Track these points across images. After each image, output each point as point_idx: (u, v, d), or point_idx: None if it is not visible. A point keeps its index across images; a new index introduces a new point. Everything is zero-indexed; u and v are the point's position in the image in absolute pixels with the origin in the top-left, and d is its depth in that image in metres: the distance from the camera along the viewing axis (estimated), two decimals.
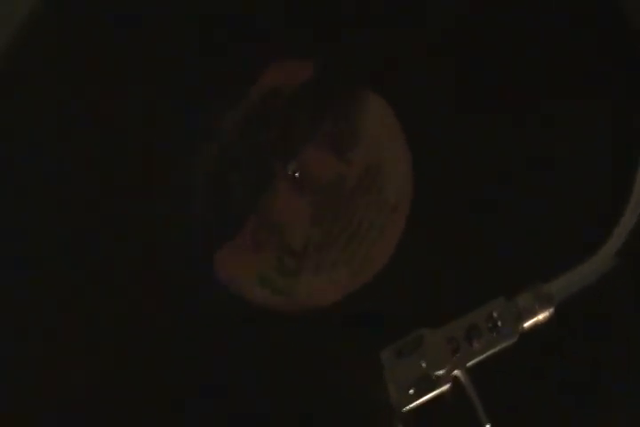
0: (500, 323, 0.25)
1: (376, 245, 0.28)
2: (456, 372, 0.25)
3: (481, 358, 0.25)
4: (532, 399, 0.25)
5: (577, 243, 0.26)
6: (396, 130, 0.29)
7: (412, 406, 0.25)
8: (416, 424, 0.25)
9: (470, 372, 0.25)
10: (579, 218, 0.27)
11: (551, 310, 0.25)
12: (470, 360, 0.25)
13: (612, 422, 0.25)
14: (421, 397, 0.25)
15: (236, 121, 0.31)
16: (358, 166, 0.29)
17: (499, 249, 0.27)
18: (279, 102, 0.30)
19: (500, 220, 0.28)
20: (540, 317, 0.25)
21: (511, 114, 0.29)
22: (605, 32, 0.29)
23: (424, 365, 0.25)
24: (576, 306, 0.25)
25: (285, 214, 0.29)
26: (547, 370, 0.25)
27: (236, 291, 0.29)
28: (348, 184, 0.29)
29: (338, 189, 0.29)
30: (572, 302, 0.25)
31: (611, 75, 0.29)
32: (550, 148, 0.28)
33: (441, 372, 0.25)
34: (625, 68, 0.28)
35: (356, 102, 0.30)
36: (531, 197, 0.28)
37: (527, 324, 0.25)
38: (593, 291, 0.25)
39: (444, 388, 0.25)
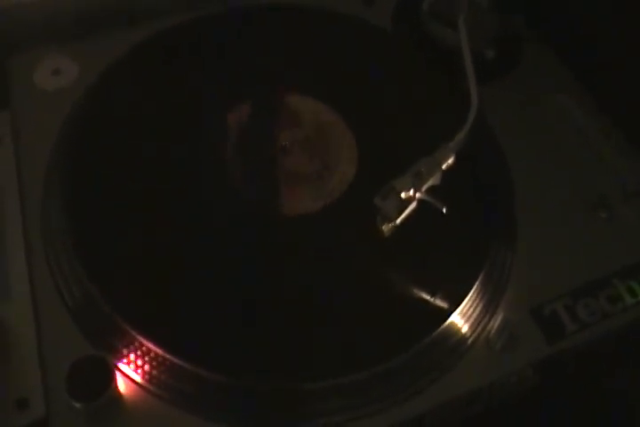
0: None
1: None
2: (418, 195, 0.45)
3: (429, 182, 0.46)
4: None
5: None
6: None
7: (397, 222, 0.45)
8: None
9: None
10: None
11: (453, 157, 0.47)
12: (424, 185, 0.46)
13: None
14: (400, 215, 0.45)
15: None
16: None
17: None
18: None
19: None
20: (450, 161, 0.47)
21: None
22: None
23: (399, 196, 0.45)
24: None
25: None
26: None
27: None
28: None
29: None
30: None
31: None
32: None
33: (410, 193, 0.45)
34: None
35: None
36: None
37: (444, 165, 0.47)
38: None
39: (413, 205, 0.45)
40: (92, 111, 0.49)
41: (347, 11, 0.58)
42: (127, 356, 0.40)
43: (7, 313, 0.40)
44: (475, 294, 0.45)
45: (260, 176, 0.49)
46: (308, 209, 0.48)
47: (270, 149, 0.50)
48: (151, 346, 0.39)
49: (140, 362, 0.40)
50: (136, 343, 0.40)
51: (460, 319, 0.44)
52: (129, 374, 0.40)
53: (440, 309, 0.44)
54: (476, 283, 0.45)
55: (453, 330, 0.44)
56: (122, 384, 0.39)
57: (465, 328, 0.44)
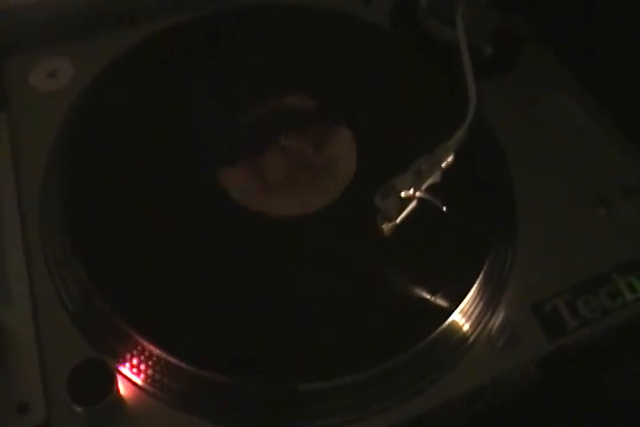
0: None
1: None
2: (418, 194, 0.45)
3: (429, 181, 0.46)
4: None
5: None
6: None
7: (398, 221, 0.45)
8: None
9: None
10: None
11: (452, 155, 0.47)
12: (424, 183, 0.45)
13: None
14: (400, 214, 0.45)
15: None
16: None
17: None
18: None
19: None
20: (449, 159, 0.47)
21: None
22: None
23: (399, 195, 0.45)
24: None
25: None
26: None
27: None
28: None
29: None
30: None
31: None
32: None
33: (410, 192, 0.45)
34: None
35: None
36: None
37: (444, 163, 0.46)
38: None
39: (413, 204, 0.45)
40: (89, 112, 0.49)
41: (345, 9, 0.58)
42: (128, 358, 0.40)
43: (6, 316, 0.40)
44: (475, 293, 0.45)
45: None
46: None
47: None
48: (151, 348, 0.39)
49: (140, 365, 0.40)
50: (136, 345, 0.40)
51: (461, 318, 0.44)
52: (130, 377, 0.40)
53: (441, 308, 0.44)
54: (477, 281, 0.45)
55: (454, 329, 0.43)
56: (123, 387, 0.39)
57: (466, 327, 0.44)
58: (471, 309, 0.44)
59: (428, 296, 0.44)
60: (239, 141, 0.50)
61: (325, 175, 0.49)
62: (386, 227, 0.46)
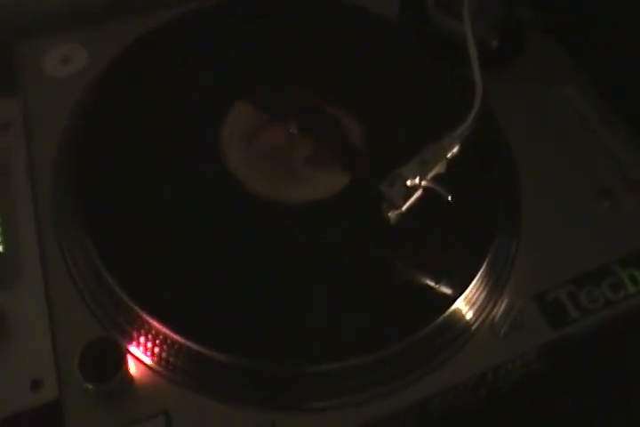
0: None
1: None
2: (424, 183, 0.46)
3: (435, 170, 0.46)
4: None
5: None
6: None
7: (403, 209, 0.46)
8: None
9: None
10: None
11: (458, 146, 0.47)
12: (429, 173, 0.46)
13: None
14: (406, 202, 0.46)
15: None
16: None
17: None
18: None
19: None
20: (455, 150, 0.47)
21: None
22: None
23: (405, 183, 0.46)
24: None
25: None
26: None
27: None
28: None
29: None
30: None
31: None
32: None
33: (415, 181, 0.46)
34: None
35: None
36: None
37: (449, 154, 0.47)
38: None
39: (419, 193, 0.46)
40: (103, 96, 0.50)
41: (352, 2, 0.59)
42: (138, 338, 0.40)
43: (20, 295, 0.41)
44: (479, 281, 0.45)
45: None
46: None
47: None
48: (160, 328, 0.40)
49: (150, 344, 0.40)
50: (145, 326, 0.40)
51: (464, 305, 0.44)
52: (139, 357, 0.40)
53: (445, 295, 0.44)
54: (481, 270, 0.46)
55: (458, 316, 0.44)
56: (133, 366, 0.39)
57: (469, 314, 0.44)
58: (475, 297, 0.45)
59: (433, 284, 0.45)
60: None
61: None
62: (392, 214, 0.46)
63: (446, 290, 0.45)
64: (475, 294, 0.45)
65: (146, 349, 0.40)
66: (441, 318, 0.43)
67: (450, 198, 0.46)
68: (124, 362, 0.37)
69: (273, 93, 0.53)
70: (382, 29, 0.58)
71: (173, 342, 0.40)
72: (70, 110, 0.49)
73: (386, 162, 0.46)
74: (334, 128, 0.52)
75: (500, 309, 0.45)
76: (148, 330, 0.40)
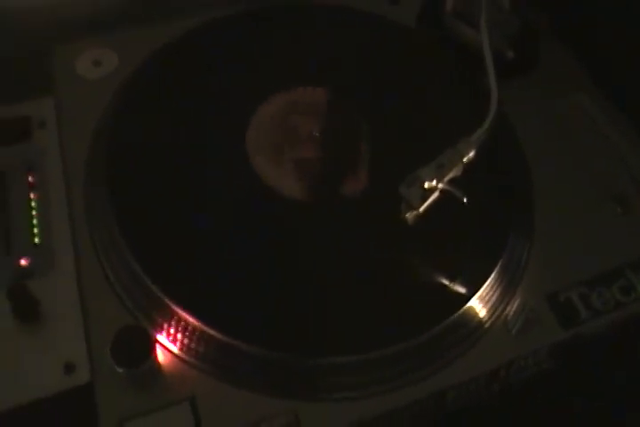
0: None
1: None
2: (440, 185, 0.48)
3: (451, 174, 0.48)
4: None
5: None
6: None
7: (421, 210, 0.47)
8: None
9: None
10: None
11: (474, 150, 0.49)
12: (446, 176, 0.48)
13: None
14: (423, 203, 0.47)
15: None
16: None
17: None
18: None
19: None
20: (471, 154, 0.49)
21: None
22: None
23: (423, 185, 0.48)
24: None
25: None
26: None
27: None
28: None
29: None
30: None
31: None
32: None
33: (432, 183, 0.47)
34: None
35: None
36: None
37: (465, 158, 0.49)
38: None
39: (436, 195, 0.48)
40: (133, 98, 0.52)
41: (371, 9, 0.60)
42: (167, 328, 0.42)
43: (54, 284, 0.43)
44: (493, 281, 0.47)
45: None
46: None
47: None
48: (187, 317, 0.42)
49: (177, 334, 0.42)
50: (174, 316, 0.42)
51: (478, 304, 0.46)
52: (166, 345, 0.42)
53: (460, 293, 0.46)
54: (495, 270, 0.47)
55: (472, 314, 0.46)
56: (160, 354, 0.41)
57: (483, 313, 0.46)
58: (488, 296, 0.47)
59: (448, 282, 0.47)
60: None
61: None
62: (410, 216, 0.48)
63: (461, 289, 0.46)
64: (488, 293, 0.47)
65: (175, 338, 0.42)
66: (456, 315, 0.45)
67: (465, 200, 0.47)
68: (152, 349, 0.39)
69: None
70: (402, 37, 0.60)
71: (201, 332, 0.41)
72: (101, 112, 0.51)
73: (404, 165, 0.48)
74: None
75: (512, 308, 0.47)
76: (177, 320, 0.42)
